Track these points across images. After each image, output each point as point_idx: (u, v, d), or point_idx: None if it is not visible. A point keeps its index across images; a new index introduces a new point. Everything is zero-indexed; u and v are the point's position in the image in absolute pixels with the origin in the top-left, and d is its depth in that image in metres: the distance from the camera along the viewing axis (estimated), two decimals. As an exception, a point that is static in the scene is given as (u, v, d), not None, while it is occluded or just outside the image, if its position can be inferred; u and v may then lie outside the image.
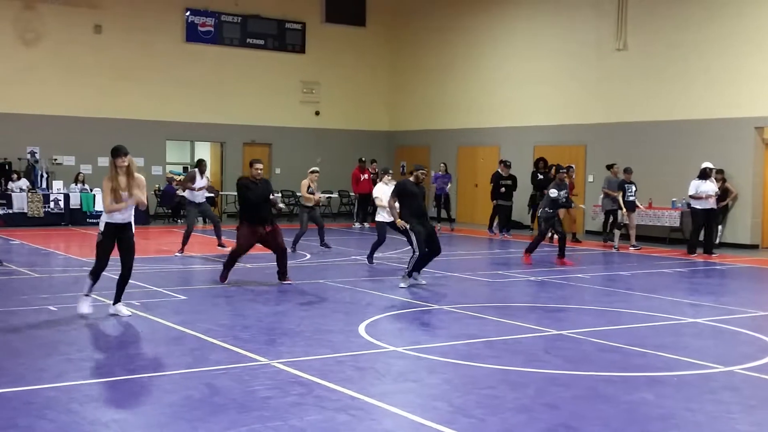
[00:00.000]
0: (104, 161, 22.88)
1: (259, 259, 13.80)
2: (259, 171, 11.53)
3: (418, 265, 11.55)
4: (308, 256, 14.95)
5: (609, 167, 18.96)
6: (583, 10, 21.54)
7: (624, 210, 17.24)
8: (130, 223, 8.86)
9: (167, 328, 8.43)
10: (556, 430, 5.46)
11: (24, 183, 21.03)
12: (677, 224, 18.78)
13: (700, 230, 16.70)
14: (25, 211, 20.43)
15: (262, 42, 25.38)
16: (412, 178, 11.68)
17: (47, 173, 21.72)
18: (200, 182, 15.18)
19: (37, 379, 6.51)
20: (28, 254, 15.07)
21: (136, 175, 8.80)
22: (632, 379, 6.84)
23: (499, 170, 20.30)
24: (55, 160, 22.48)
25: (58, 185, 21.27)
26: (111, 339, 7.95)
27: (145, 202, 8.90)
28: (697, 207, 16.52)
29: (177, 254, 14.60)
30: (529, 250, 14.66)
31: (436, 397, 6.19)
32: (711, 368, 7.20)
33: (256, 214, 11.38)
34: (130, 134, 23.27)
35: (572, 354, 7.69)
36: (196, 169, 15.43)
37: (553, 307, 10.38)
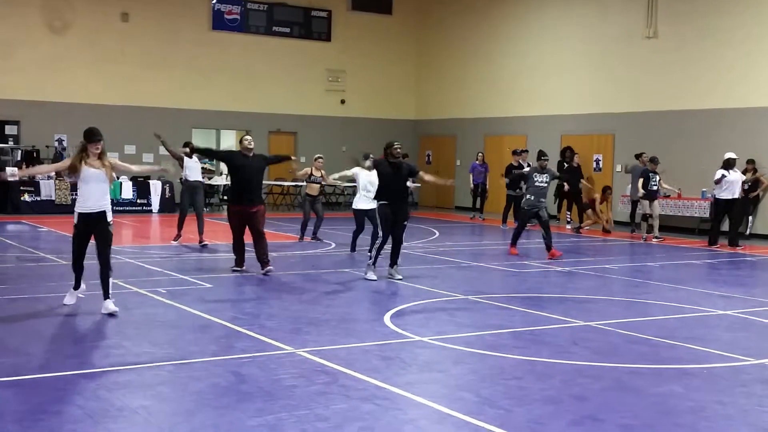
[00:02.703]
0: (131, 149, 23.08)
1: (284, 248, 13.82)
2: (247, 143, 11.22)
3: (378, 252, 11.09)
4: (333, 245, 14.93)
5: (637, 156, 18.73)
6: (612, -2, 21.31)
7: (641, 194, 16.95)
8: (104, 212, 8.25)
9: (193, 316, 8.45)
10: (583, 422, 5.40)
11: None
12: (707, 215, 18.55)
13: (722, 220, 16.44)
14: (53, 198, 20.60)
15: (288, 30, 25.37)
16: (389, 157, 11.13)
17: (75, 161, 21.85)
18: (190, 162, 14.46)
19: (65, 365, 6.55)
20: (55, 241, 15.18)
21: (110, 161, 8.37)
22: (661, 371, 6.75)
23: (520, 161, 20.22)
24: (83, 148, 22.61)
25: (85, 173, 21.39)
26: (138, 326, 7.98)
27: (133, 169, 9.03)
28: (722, 197, 16.21)
29: (173, 242, 14.33)
30: (513, 241, 14.28)
31: (462, 388, 6.15)
32: (742, 361, 7.10)
33: (245, 192, 11.09)
34: (156, 122, 23.39)
35: (600, 345, 7.62)
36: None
37: (580, 297, 10.29)
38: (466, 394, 5.96)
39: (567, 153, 20.53)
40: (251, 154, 11.24)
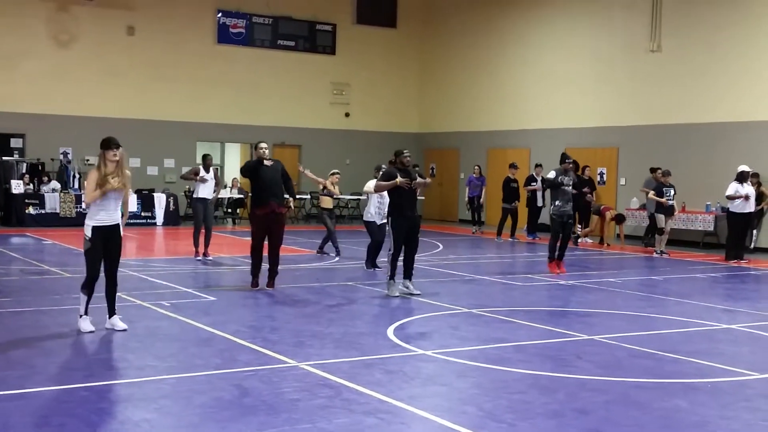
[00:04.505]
0: (135, 162, 23.16)
1: (288, 261, 13.82)
2: (264, 150, 11.07)
3: (394, 265, 10.85)
4: (337, 258, 14.93)
5: (653, 171, 18.45)
6: (616, 12, 21.36)
7: (665, 202, 16.79)
8: (118, 225, 8.16)
9: (196, 329, 8.45)
10: (587, 437, 5.38)
11: (55, 185, 21.20)
12: (711, 228, 18.53)
13: (744, 235, 16.35)
14: (57, 211, 20.64)
15: (292, 43, 25.47)
16: (398, 165, 11.06)
17: (79, 173, 21.94)
18: (205, 176, 14.53)
19: (68, 378, 6.56)
20: (60, 254, 15.21)
21: (126, 171, 8.13)
22: (666, 385, 6.73)
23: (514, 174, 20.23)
24: (87, 160, 22.68)
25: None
26: (141, 339, 7.98)
27: (129, 197, 8.38)
28: (736, 211, 16.10)
29: (198, 258, 14.29)
30: (555, 257, 13.55)
31: (465, 401, 6.14)
32: (746, 375, 7.08)
33: (269, 193, 10.93)
34: (161, 135, 23.55)
35: (604, 359, 7.60)
36: (200, 165, 14.79)
37: (583, 311, 10.27)
38: (469, 408, 5.95)
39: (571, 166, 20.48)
40: (270, 162, 11.13)
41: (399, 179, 10.77)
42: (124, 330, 8.17)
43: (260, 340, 7.95)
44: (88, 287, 8.10)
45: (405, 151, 11.23)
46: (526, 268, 14.79)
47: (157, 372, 6.70)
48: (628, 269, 15.07)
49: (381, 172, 11.98)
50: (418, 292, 10.88)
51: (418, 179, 11.08)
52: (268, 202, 10.94)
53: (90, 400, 5.91)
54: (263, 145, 11.26)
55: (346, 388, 6.30)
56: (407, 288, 10.98)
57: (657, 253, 16.97)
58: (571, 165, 13.87)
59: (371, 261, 13.52)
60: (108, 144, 8.11)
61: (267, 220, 10.97)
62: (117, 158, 8.04)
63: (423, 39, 27.39)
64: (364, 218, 13.79)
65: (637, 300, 11.28)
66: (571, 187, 13.73)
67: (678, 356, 7.71)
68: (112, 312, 8.29)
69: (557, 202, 13.50)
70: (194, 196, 14.81)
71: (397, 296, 10.72)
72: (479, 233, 21.35)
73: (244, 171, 11.36)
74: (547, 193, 20.45)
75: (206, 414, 5.63)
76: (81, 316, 8.15)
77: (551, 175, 13.58)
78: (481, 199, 21.57)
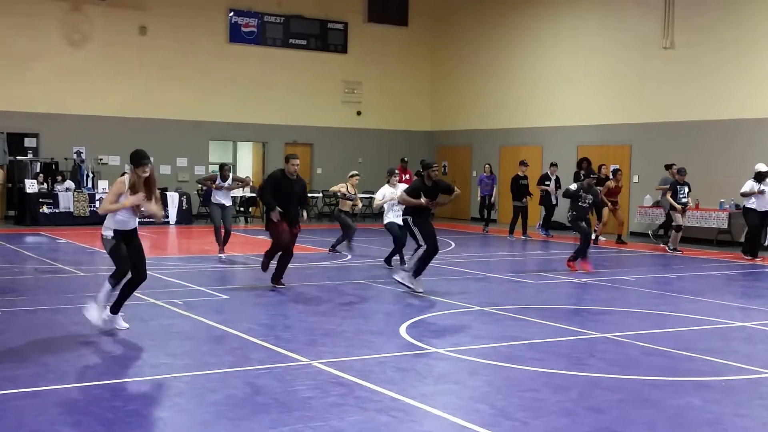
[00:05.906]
0: (148, 161, 23.20)
1: (301, 259, 13.84)
2: (296, 167, 11.06)
3: (426, 264, 10.91)
4: (349, 256, 14.94)
5: (668, 167, 18.41)
6: (628, 8, 21.27)
7: (678, 208, 16.72)
8: (136, 230, 8.30)
9: (209, 327, 8.48)
10: (600, 435, 5.37)
11: (69, 184, 21.30)
12: (725, 226, 18.43)
13: (760, 231, 16.23)
14: (71, 210, 20.75)
15: (304, 42, 25.51)
16: (426, 180, 11.04)
17: (93, 173, 22.06)
18: (222, 184, 14.63)
19: (82, 376, 6.59)
20: (74, 253, 15.29)
21: (156, 192, 8.29)
22: (679, 383, 6.71)
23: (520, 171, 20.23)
24: (101, 160, 22.82)
25: (103, 185, 21.56)
26: (154, 337, 8.01)
27: (162, 214, 8.44)
28: (755, 207, 15.98)
29: (221, 255, 14.37)
30: (583, 256, 13.61)
31: (477, 400, 6.13)
32: (761, 373, 7.04)
33: (285, 212, 10.96)
34: (174, 134, 23.64)
35: (617, 357, 7.57)
36: (218, 173, 14.92)
37: (597, 309, 10.24)
38: (481, 406, 5.94)
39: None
40: (295, 177, 11.13)
41: (423, 200, 10.78)
42: (126, 329, 8.13)
43: (273, 338, 7.97)
44: (116, 277, 8.06)
45: (434, 165, 11.14)
46: (538, 265, 14.75)
47: (170, 370, 6.72)
48: (641, 267, 15.01)
49: (398, 185, 12.17)
50: (421, 290, 10.88)
51: (440, 198, 11.10)
52: (286, 222, 10.98)
53: (104, 398, 5.94)
54: (296, 162, 11.11)
55: (358, 386, 6.31)
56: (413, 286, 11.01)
57: (670, 250, 16.89)
58: (594, 180, 14.11)
59: (388, 259, 13.63)
60: (139, 159, 8.03)
61: (287, 232, 11.00)
62: (147, 174, 8.06)
63: (434, 37, 27.36)
64: (384, 221, 13.93)
65: (650, 298, 11.24)
66: (589, 203, 13.91)
67: (692, 354, 7.68)
68: (117, 308, 8.23)
69: (575, 212, 13.77)
70: (212, 200, 14.85)
71: (421, 292, 10.72)
72: (485, 232, 21.26)
73: (269, 184, 11.14)
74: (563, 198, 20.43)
75: (219, 412, 5.65)
76: (98, 303, 8.05)
77: (573, 187, 13.84)
78: (493, 198, 21.56)
